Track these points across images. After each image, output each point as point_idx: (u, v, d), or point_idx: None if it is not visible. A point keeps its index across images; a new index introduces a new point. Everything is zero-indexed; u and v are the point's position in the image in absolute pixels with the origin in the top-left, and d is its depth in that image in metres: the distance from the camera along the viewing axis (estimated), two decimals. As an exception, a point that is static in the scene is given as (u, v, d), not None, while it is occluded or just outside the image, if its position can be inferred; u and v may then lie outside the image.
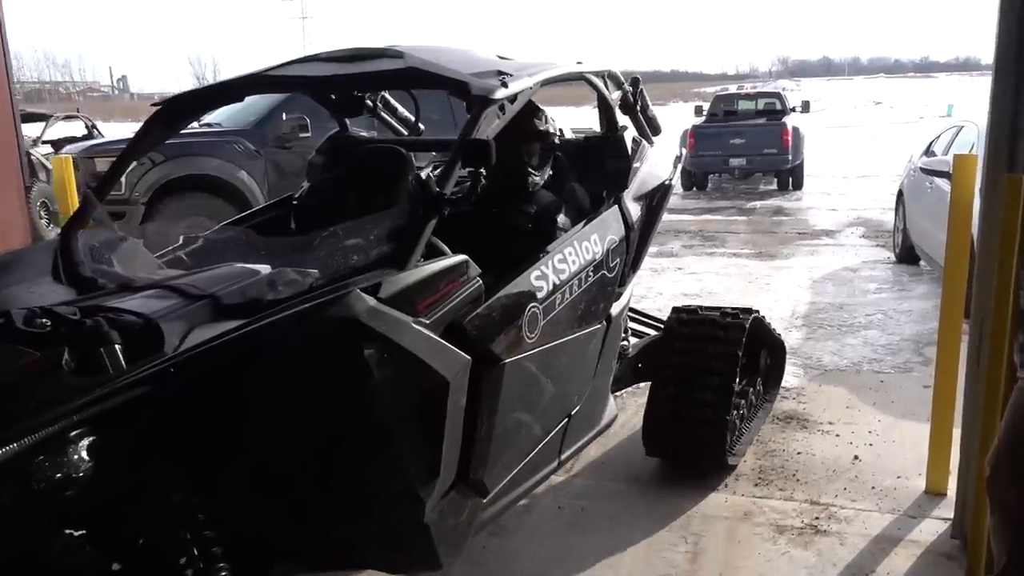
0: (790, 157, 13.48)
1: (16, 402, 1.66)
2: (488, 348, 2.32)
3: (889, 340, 5.46)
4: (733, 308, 3.76)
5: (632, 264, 3.28)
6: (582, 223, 2.98)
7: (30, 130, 11.59)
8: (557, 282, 2.66)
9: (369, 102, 3.58)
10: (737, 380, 3.50)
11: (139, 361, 1.79)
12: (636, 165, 3.37)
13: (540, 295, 2.57)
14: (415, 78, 2.67)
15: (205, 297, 2.05)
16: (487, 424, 2.34)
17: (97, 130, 11.22)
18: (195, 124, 9.03)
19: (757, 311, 3.81)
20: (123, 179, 7.21)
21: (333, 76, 2.75)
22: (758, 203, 12.85)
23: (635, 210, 3.27)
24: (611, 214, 3.12)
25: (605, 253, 2.96)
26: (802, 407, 4.37)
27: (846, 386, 4.65)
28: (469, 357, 2.19)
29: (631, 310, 3.74)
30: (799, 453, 3.82)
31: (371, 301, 1.93)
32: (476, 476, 2.35)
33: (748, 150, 13.49)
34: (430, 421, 2.10)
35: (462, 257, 2.26)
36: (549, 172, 3.15)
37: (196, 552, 1.84)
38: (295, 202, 3.40)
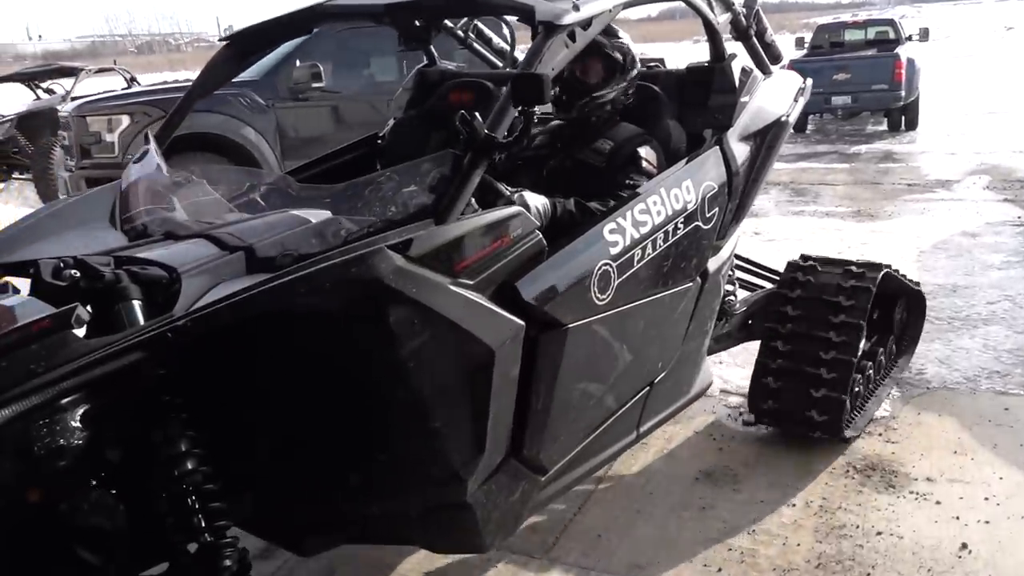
0: (903, 93, 11.77)
1: (14, 365, 1.56)
2: (547, 312, 2.10)
3: (1018, 342, 4.14)
4: (861, 262, 3.35)
5: (735, 214, 2.92)
6: (675, 167, 2.68)
7: (62, 86, 11.08)
8: (636, 236, 2.39)
9: (460, 32, 3.45)
10: (863, 340, 3.20)
11: (150, 321, 1.69)
12: (744, 99, 3.00)
13: (614, 251, 2.31)
14: (481, 3, 2.54)
15: (240, 248, 1.90)
16: (545, 396, 2.15)
17: (137, 83, 10.57)
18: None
19: (888, 266, 3.40)
20: (115, 139, 6.49)
21: (393, 5, 2.52)
22: (863, 147, 11.26)
23: (741, 152, 2.90)
24: (711, 156, 2.79)
25: (700, 201, 2.65)
26: (890, 450, 3.20)
27: (955, 416, 3.43)
28: (522, 322, 2.01)
29: (740, 259, 3.52)
30: (879, 534, 2.69)
31: (399, 260, 1.78)
32: (531, 453, 2.18)
33: (854, 86, 11.87)
34: (473, 394, 1.94)
35: (515, 208, 2.07)
36: (626, 101, 2.83)
37: (203, 523, 1.76)
38: (379, 141, 3.29)
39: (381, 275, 1.74)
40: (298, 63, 6.83)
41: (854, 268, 3.27)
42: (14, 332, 1.59)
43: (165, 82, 8.05)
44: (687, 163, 2.72)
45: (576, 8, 2.26)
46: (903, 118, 12.32)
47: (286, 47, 7.25)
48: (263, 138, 6.75)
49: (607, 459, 2.58)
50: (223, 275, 1.82)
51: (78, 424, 1.63)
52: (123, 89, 8.88)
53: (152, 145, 2.50)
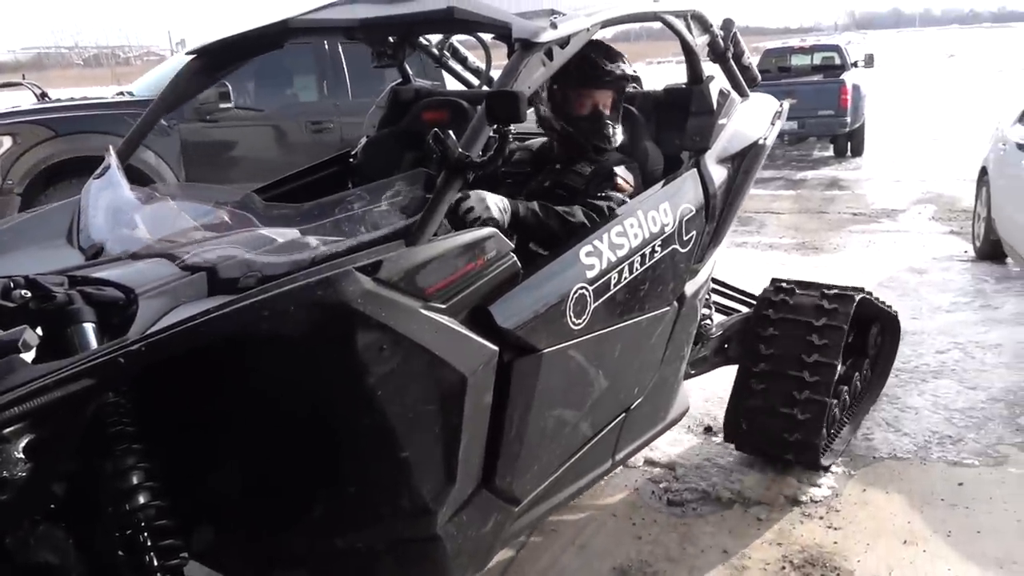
0: (848, 119, 11.63)
1: None
2: (521, 337, 2.03)
3: (970, 399, 3.79)
4: (839, 286, 3.37)
5: (713, 237, 2.87)
6: (652, 189, 2.63)
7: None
8: (613, 259, 2.33)
9: (436, 51, 3.42)
10: (840, 363, 3.18)
11: (102, 345, 1.60)
12: (722, 121, 2.95)
13: (591, 274, 2.25)
14: (456, 20, 2.38)
15: (202, 269, 1.82)
16: (519, 424, 2.08)
17: (48, 98, 9.87)
18: (108, 94, 7.73)
19: (865, 291, 3.41)
20: (-7, 163, 5.89)
21: (366, 20, 2.47)
22: (809, 173, 11.07)
23: (719, 174, 2.85)
24: (688, 178, 2.74)
25: (678, 224, 2.60)
26: (832, 539, 2.79)
27: (905, 493, 3.04)
28: (495, 348, 1.94)
29: (716, 282, 3.45)
30: (818, 656, 2.27)
31: (367, 283, 1.69)
32: (504, 483, 2.10)
33: (801, 111, 11.60)
34: (444, 422, 1.86)
35: (489, 230, 1.98)
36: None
37: (156, 561, 1.66)
38: (351, 159, 3.26)
39: (348, 298, 1.66)
40: (205, 81, 6.31)
41: (834, 288, 3.29)
42: None
43: (85, 98, 7.40)
44: (664, 185, 2.66)
45: (554, 26, 2.20)
46: (849, 144, 12.23)
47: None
48: (164, 163, 6.19)
49: (582, 488, 2.50)
50: (183, 297, 1.75)
51: (21, 455, 1.52)
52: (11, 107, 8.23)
53: (113, 161, 2.40)
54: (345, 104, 6.85)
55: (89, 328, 1.65)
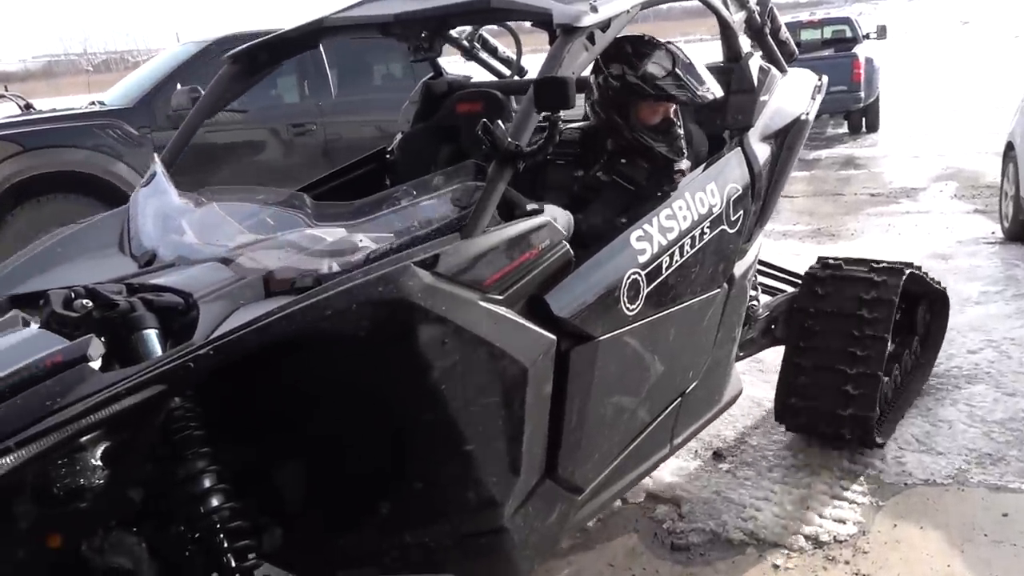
0: (862, 94, 11.17)
1: (29, 402, 1.47)
2: (577, 325, 2.02)
3: (1010, 409, 3.39)
4: (887, 262, 3.31)
5: (759, 216, 2.88)
6: (698, 170, 2.61)
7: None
8: (664, 243, 2.31)
9: (466, 42, 3.35)
10: (890, 337, 3.13)
11: (170, 350, 1.60)
12: (763, 98, 2.94)
13: (643, 259, 2.23)
14: (494, 9, 2.38)
15: (257, 271, 1.84)
16: (578, 413, 2.06)
17: (33, 109, 9.60)
18: (79, 105, 7.40)
19: (914, 265, 3.39)
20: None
21: (401, 15, 2.45)
22: (824, 152, 10.63)
23: (762, 152, 2.84)
24: (733, 158, 2.74)
25: (725, 205, 2.60)
26: (861, 587, 2.43)
27: (942, 528, 2.66)
28: (553, 337, 1.94)
29: (761, 263, 3.38)
30: None
31: (427, 277, 1.70)
32: (566, 472, 2.08)
33: (811, 88, 11.25)
34: (507, 415, 1.86)
35: (543, 219, 1.96)
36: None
37: (232, 562, 1.67)
38: (388, 155, 3.27)
39: (409, 293, 1.67)
40: (179, 86, 5.97)
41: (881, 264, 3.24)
42: (27, 368, 1.51)
43: (54, 109, 7.09)
44: (709, 166, 2.65)
45: (594, 9, 2.18)
46: (863, 120, 11.80)
47: (165, 66, 6.43)
48: (138, 175, 5.86)
49: (642, 474, 2.50)
50: (241, 300, 1.76)
51: (98, 463, 1.56)
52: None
53: (159, 168, 2.43)
54: (328, 104, 6.50)
55: (152, 334, 1.65)
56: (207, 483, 1.68)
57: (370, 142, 6.75)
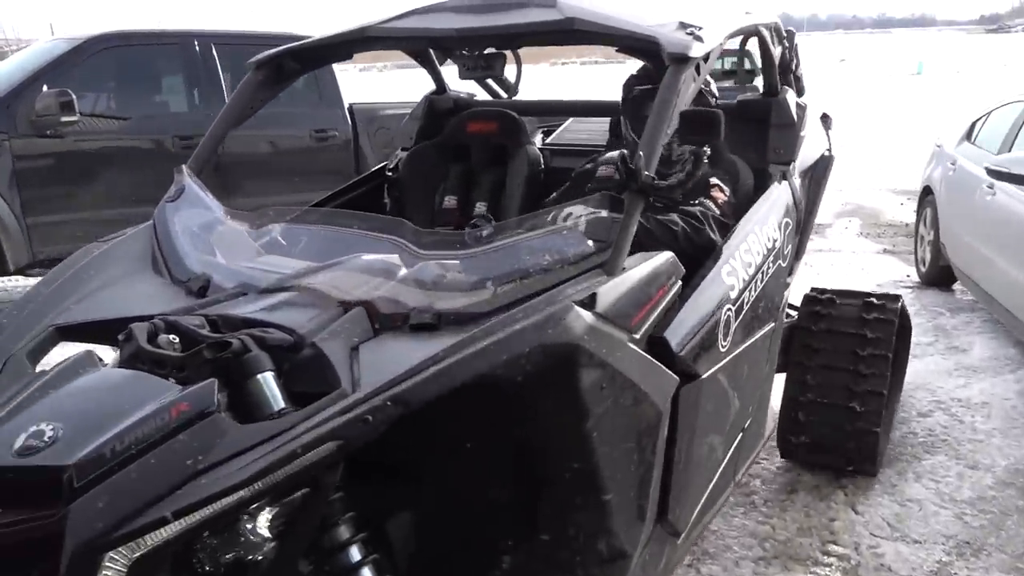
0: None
1: (166, 461, 1.29)
2: (689, 363, 1.95)
3: (976, 485, 3.17)
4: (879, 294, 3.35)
5: (797, 250, 2.84)
6: (758, 204, 2.54)
7: None
8: (746, 278, 2.28)
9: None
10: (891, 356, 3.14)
11: (320, 400, 1.43)
12: (802, 134, 2.92)
13: (733, 294, 2.19)
14: (576, 32, 2.20)
15: (354, 303, 1.68)
16: (685, 454, 2.01)
17: None
18: None
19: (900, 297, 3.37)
20: None
21: (467, 30, 2.30)
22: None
23: (801, 187, 2.85)
24: (783, 192, 2.69)
25: (782, 239, 2.56)
26: None
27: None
28: (676, 377, 1.89)
29: None
30: None
31: (589, 317, 1.62)
32: (673, 516, 2.02)
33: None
34: (640, 459, 1.78)
35: (670, 254, 1.94)
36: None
37: None
38: (389, 172, 3.20)
39: (577, 336, 1.58)
40: (46, 88, 5.23)
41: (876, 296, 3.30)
42: (150, 419, 1.31)
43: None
44: (766, 199, 2.61)
45: (699, 38, 2.09)
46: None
47: (31, 63, 5.64)
48: (-14, 189, 5.08)
49: (714, 515, 2.46)
50: (355, 337, 1.60)
51: (266, 534, 1.38)
52: None
53: (189, 180, 2.27)
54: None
55: (270, 378, 1.49)
56: (357, 555, 1.53)
57: (263, 159, 6.22)
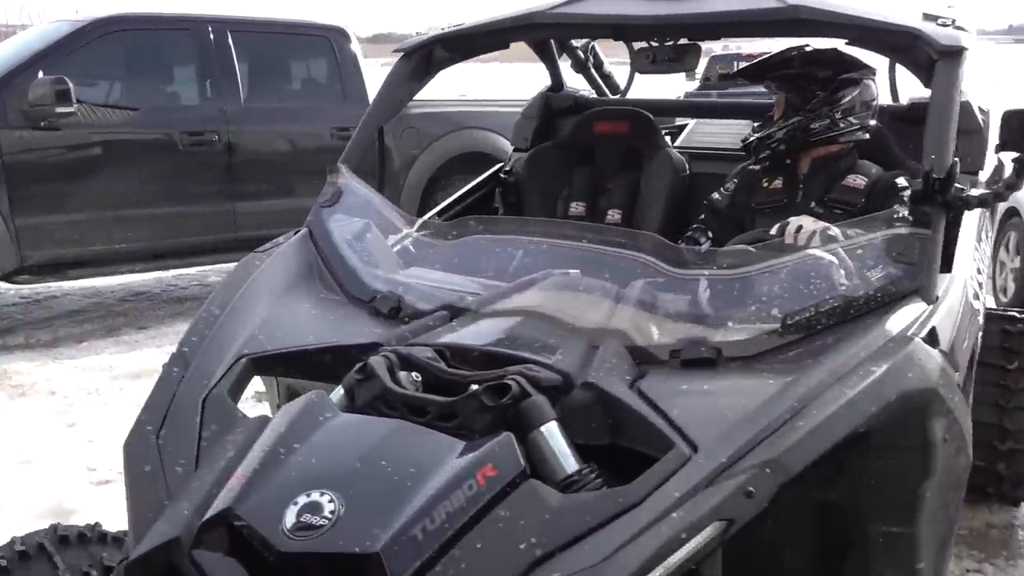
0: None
1: (503, 553, 1.13)
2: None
3: None
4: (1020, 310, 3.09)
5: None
6: (969, 218, 2.29)
7: None
8: (983, 302, 2.21)
9: (580, 54, 3.28)
10: None
11: (656, 464, 1.26)
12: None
13: (980, 319, 2.13)
14: (801, 22, 2.01)
15: (600, 331, 1.54)
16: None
17: None
18: None
19: None
20: None
21: (675, 17, 2.10)
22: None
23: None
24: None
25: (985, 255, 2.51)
26: None
27: None
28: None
29: None
30: None
31: (939, 358, 1.48)
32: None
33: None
34: (946, 518, 1.57)
35: (947, 277, 1.78)
36: (863, 136, 2.48)
37: None
38: (504, 175, 3.00)
39: (935, 381, 1.43)
40: (41, 74, 4.71)
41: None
42: (454, 490, 1.14)
43: None
44: (971, 214, 2.42)
45: (960, 27, 1.97)
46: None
47: (26, 48, 5.11)
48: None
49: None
50: (627, 376, 1.44)
51: None
52: None
53: (352, 182, 2.14)
54: (235, 111, 5.33)
55: (556, 430, 1.30)
56: None
57: (281, 159, 5.69)
